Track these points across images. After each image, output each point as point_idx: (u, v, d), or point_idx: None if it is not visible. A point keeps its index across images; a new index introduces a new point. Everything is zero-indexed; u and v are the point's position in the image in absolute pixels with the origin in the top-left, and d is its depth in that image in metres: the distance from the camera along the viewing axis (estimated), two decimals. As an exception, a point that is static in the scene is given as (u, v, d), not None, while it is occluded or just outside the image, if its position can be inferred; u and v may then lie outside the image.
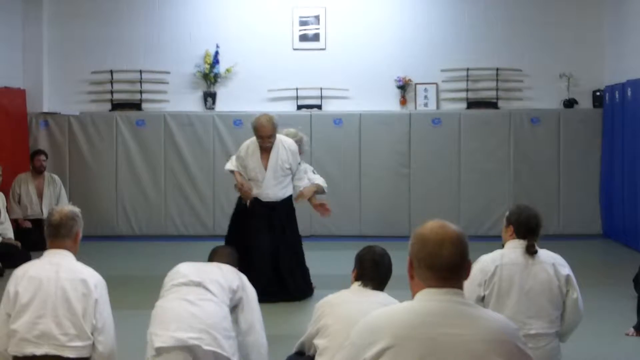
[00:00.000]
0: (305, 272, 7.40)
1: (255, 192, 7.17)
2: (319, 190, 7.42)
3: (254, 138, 7.20)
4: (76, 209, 4.13)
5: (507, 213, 4.56)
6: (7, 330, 3.89)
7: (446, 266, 2.41)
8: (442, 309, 2.38)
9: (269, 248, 7.15)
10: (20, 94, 10.88)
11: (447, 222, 2.48)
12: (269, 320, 6.44)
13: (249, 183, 7.16)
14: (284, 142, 7.18)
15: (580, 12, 11.05)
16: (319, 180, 7.46)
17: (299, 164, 7.29)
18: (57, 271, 3.92)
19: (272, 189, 7.16)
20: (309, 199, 7.37)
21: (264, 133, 7.04)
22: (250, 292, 4.46)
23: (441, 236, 2.43)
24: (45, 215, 9.23)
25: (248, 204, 7.20)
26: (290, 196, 7.33)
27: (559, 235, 10.25)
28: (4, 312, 3.93)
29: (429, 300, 2.41)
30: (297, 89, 11.02)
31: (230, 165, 7.31)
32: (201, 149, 10.89)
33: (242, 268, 4.68)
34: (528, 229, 4.41)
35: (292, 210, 7.40)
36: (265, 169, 7.13)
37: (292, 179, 7.27)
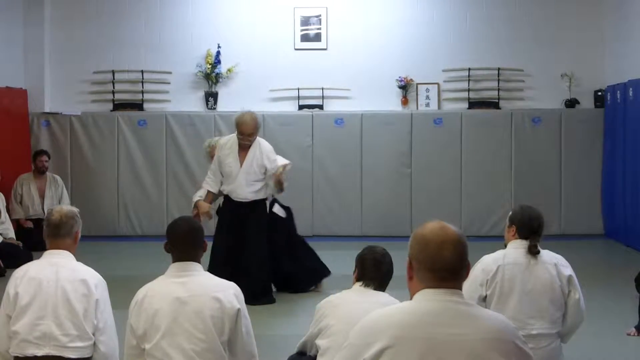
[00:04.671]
0: (265, 276, 7.12)
1: (227, 189, 7.15)
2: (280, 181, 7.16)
3: (235, 134, 7.17)
4: (75, 209, 4.12)
5: (510, 213, 4.56)
6: (8, 331, 3.89)
7: (447, 268, 2.42)
8: (441, 309, 2.38)
9: (225, 246, 7.05)
10: (21, 94, 10.89)
11: (446, 223, 2.48)
12: (271, 321, 6.48)
13: (205, 207, 7.20)
14: (261, 144, 7.15)
15: (581, 11, 11.04)
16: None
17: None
18: (57, 272, 3.91)
19: (242, 189, 7.08)
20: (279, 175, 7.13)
21: (246, 131, 7.01)
22: None
23: (442, 238, 2.43)
24: (47, 215, 9.25)
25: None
26: (263, 200, 7.22)
27: (560, 236, 10.24)
28: (4, 313, 3.92)
29: (428, 300, 2.41)
30: (298, 89, 11.02)
31: (197, 194, 7.42)
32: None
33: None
34: (531, 230, 4.41)
35: (263, 212, 7.25)
36: (240, 167, 7.09)
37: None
